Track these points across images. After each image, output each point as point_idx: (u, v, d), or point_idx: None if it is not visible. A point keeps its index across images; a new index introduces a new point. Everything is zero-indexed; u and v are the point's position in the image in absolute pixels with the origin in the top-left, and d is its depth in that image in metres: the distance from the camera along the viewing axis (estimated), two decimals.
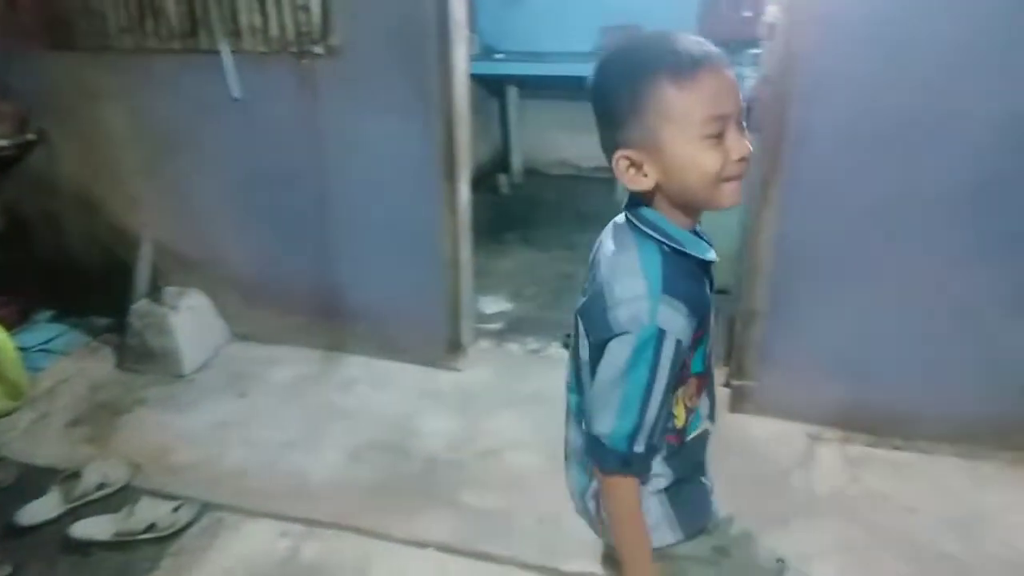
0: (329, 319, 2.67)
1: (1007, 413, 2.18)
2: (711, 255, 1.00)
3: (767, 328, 2.26)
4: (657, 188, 0.94)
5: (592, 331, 0.98)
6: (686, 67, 0.87)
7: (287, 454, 2.23)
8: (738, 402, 2.35)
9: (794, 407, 2.30)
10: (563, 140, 4.67)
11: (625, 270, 0.95)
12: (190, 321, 2.62)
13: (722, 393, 2.34)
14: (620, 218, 1.02)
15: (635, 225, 0.97)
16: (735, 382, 2.35)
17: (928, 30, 1.88)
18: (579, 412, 1.08)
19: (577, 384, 1.09)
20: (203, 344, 2.66)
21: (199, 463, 2.19)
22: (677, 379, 0.96)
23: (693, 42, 0.89)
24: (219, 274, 2.73)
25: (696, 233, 1.01)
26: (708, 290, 1.01)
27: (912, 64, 1.91)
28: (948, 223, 2.04)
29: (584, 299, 1.03)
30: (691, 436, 1.06)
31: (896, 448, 2.24)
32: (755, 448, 2.25)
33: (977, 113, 1.92)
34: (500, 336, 2.89)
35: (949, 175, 1.99)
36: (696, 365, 1.02)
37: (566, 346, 2.94)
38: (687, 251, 0.96)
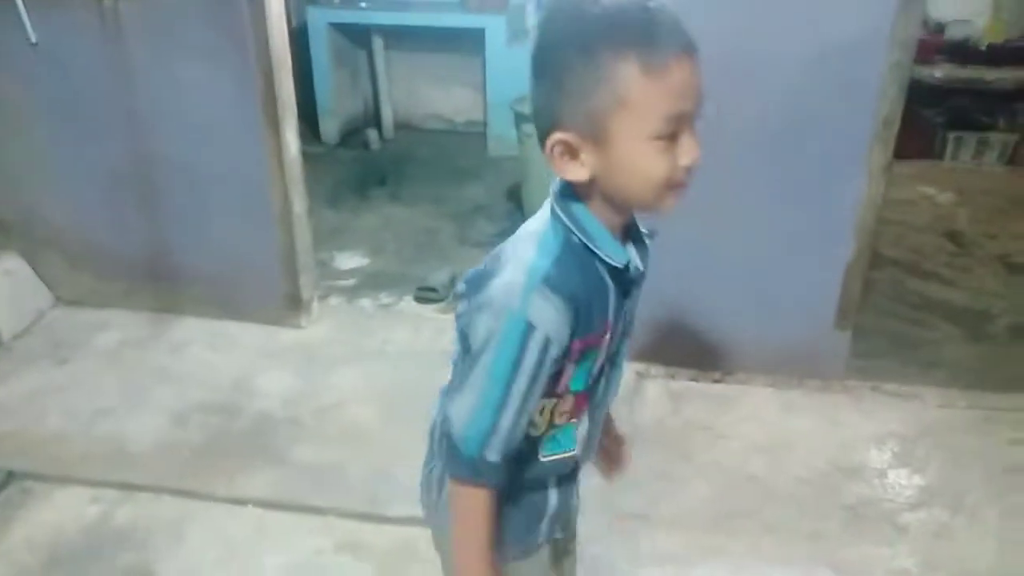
0: (160, 280, 2.55)
1: (816, 343, 2.33)
2: (621, 261, 0.84)
3: None
4: (591, 180, 0.80)
5: (467, 294, 0.86)
6: (661, 51, 0.74)
7: (106, 420, 2.14)
8: None
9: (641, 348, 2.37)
10: (436, 94, 4.59)
11: (519, 246, 0.84)
12: (5, 286, 2.45)
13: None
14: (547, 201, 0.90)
15: (554, 210, 0.85)
16: None
17: None
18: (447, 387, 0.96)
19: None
20: (21, 310, 2.50)
21: (10, 433, 2.08)
22: (545, 388, 0.84)
23: (671, 21, 0.75)
24: (38, 236, 2.56)
25: (629, 233, 0.90)
26: (613, 301, 0.87)
27: (721, 7, 1.95)
28: (762, 159, 2.13)
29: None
30: (547, 455, 0.93)
31: (716, 381, 2.37)
32: None
33: (787, 53, 2.00)
34: (353, 292, 2.85)
35: (762, 114, 2.07)
36: (577, 382, 0.88)
37: (419, 300, 2.98)
38: (596, 251, 0.83)
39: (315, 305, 2.63)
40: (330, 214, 3.50)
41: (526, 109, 3.14)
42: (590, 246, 0.83)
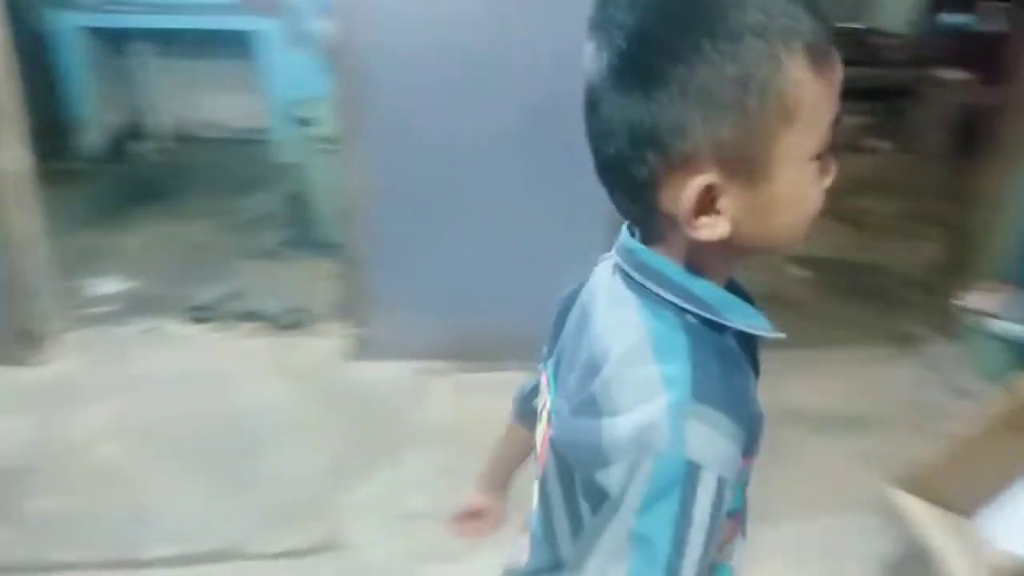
0: None
1: None
2: (765, 326, 0.62)
3: (372, 273, 2.28)
4: (719, 242, 0.57)
5: (581, 462, 0.61)
6: (824, 45, 0.54)
7: None
8: (355, 351, 2.35)
9: (408, 347, 2.35)
10: (214, 101, 4.29)
11: (628, 360, 0.58)
12: None
13: None
14: (611, 264, 0.66)
15: (636, 280, 0.61)
16: (349, 331, 2.35)
17: None
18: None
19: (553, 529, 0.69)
20: None
21: None
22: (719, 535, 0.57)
23: (820, 8, 0.54)
24: None
25: (734, 288, 0.65)
26: (752, 379, 0.64)
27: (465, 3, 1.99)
28: (515, 150, 2.19)
29: (563, 412, 0.64)
30: None
31: (501, 370, 2.40)
32: (372, 393, 2.27)
33: (534, 44, 2.06)
34: (111, 319, 2.58)
35: (511, 104, 2.12)
36: (736, 501, 0.63)
37: (196, 320, 2.76)
38: (727, 322, 0.60)
39: (58, 338, 2.35)
40: (87, 235, 3.15)
41: (309, 113, 3.02)
42: (717, 320, 0.59)
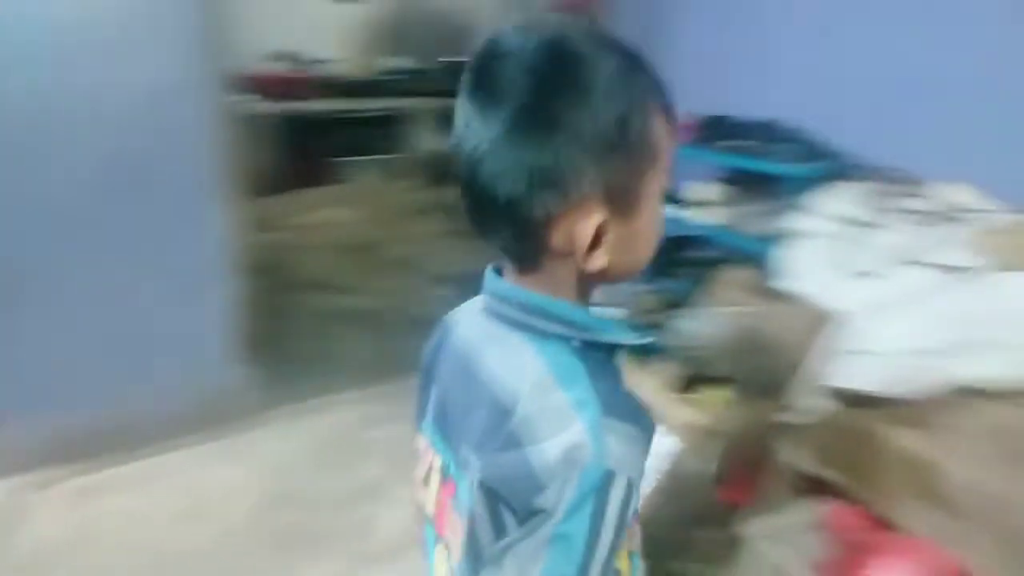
0: None
1: (221, 386, 2.22)
2: (634, 335, 0.71)
3: None
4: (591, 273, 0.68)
5: (517, 492, 0.63)
6: (671, 106, 0.67)
7: None
8: None
9: (19, 458, 2.01)
10: None
11: (538, 394, 0.65)
12: None
13: None
14: (478, 310, 0.74)
15: (518, 320, 0.69)
16: None
17: (36, 12, 1.73)
18: None
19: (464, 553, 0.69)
20: None
21: None
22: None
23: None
24: None
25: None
26: None
27: (29, 48, 1.73)
28: (107, 213, 1.94)
29: (482, 454, 0.68)
30: None
31: (122, 463, 2.13)
32: None
33: (106, 103, 1.83)
34: None
35: (87, 156, 1.87)
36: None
37: None
38: (608, 340, 0.69)
39: None
40: None
41: None
42: (599, 340, 0.69)
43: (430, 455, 0.80)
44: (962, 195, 1.98)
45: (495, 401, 0.68)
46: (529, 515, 0.62)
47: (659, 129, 0.66)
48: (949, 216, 1.88)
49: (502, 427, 0.65)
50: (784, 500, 1.97)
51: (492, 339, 0.71)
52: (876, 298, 1.76)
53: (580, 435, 0.61)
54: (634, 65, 0.65)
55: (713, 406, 1.72)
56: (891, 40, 2.30)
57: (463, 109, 0.65)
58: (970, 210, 1.90)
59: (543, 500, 0.61)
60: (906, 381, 1.65)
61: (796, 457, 1.95)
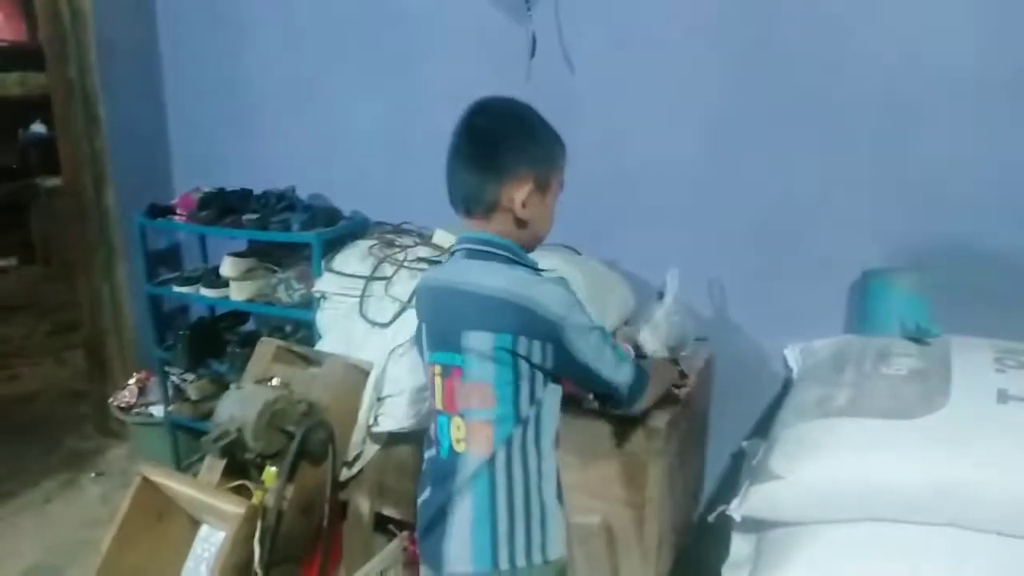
0: None
1: None
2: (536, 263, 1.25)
3: None
4: (518, 225, 1.20)
5: (534, 326, 1.13)
6: (565, 157, 1.27)
7: None
8: None
9: None
10: None
11: (514, 280, 1.16)
12: None
13: None
14: (457, 255, 1.24)
15: (491, 252, 1.20)
16: None
17: None
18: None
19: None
20: None
21: None
22: None
23: None
24: None
25: None
26: None
27: None
28: None
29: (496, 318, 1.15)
30: None
31: None
32: None
33: None
34: None
35: None
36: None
37: None
38: (533, 266, 1.23)
39: None
40: None
41: None
42: (537, 269, 1.23)
43: (431, 370, 1.24)
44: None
45: (482, 298, 1.15)
46: (552, 334, 1.14)
47: (561, 152, 1.24)
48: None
49: (494, 306, 1.14)
50: (368, 547, 2.02)
51: (469, 268, 1.20)
52: (394, 344, 1.94)
53: (552, 282, 1.17)
54: (552, 131, 1.24)
55: (263, 487, 1.66)
56: (370, 102, 2.55)
57: (451, 157, 1.21)
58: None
59: (558, 318, 1.13)
60: (420, 414, 1.86)
61: (362, 504, 2.03)
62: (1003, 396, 1.30)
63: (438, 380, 1.22)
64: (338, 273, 2.21)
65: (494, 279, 1.15)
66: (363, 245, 2.30)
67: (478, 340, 1.15)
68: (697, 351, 1.92)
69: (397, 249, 2.26)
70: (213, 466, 1.75)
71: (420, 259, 2.18)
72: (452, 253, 1.25)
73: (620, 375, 1.21)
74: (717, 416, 2.12)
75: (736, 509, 1.36)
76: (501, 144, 1.17)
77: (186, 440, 2.82)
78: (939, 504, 1.21)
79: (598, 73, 2.11)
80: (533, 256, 1.25)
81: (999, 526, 1.17)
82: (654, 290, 1.94)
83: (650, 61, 2.02)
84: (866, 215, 1.82)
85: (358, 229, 2.48)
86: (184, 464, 2.81)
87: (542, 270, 1.23)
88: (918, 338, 1.56)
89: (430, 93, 2.40)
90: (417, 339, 1.31)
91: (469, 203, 1.20)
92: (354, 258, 2.24)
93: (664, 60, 2.00)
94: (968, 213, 1.70)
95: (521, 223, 1.19)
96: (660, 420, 1.64)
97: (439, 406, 1.23)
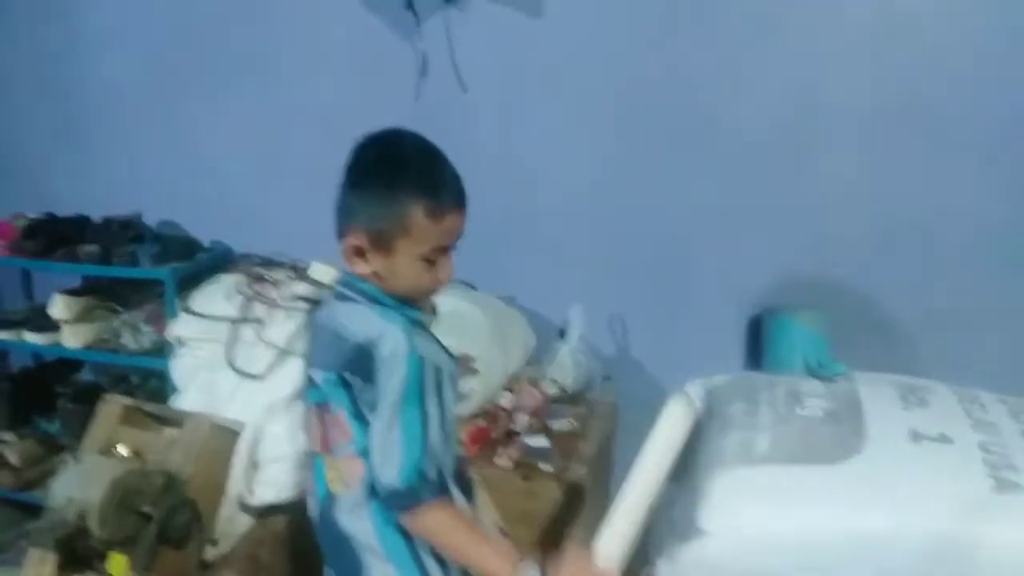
0: None
1: None
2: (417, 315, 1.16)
3: None
4: (374, 275, 1.12)
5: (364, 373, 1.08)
6: (441, 204, 1.07)
7: None
8: None
9: None
10: None
11: (367, 323, 1.09)
12: None
13: None
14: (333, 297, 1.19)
15: (350, 296, 1.15)
16: None
17: None
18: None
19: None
20: None
21: None
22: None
23: (452, 177, 1.10)
24: None
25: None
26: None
27: None
28: None
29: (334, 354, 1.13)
30: None
31: None
32: None
33: None
34: None
35: None
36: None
37: None
38: (399, 311, 1.12)
39: None
40: None
41: None
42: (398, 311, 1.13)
43: (309, 409, 1.21)
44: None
45: (337, 336, 1.12)
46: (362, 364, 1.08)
47: (417, 216, 1.06)
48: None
49: (343, 346, 1.10)
50: None
51: (335, 309, 1.16)
52: (272, 399, 1.70)
53: (398, 338, 1.06)
54: (426, 174, 1.08)
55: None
56: (234, 117, 2.29)
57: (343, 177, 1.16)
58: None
59: (368, 343, 1.08)
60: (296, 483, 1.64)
61: None
62: (915, 436, 1.31)
63: (312, 418, 1.20)
64: (198, 315, 1.93)
65: (347, 319, 1.13)
66: (228, 281, 2.04)
67: (321, 376, 1.16)
68: (604, 390, 1.85)
69: (269, 285, 2.02)
70: (43, 560, 1.43)
71: (298, 297, 1.96)
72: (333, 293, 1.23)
73: (387, 467, 1.03)
74: (621, 458, 2.05)
75: (665, 571, 1.28)
76: (344, 187, 1.12)
77: (5, 515, 2.37)
78: (862, 554, 1.18)
79: (493, 98, 2.01)
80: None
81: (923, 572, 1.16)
82: (555, 328, 1.85)
83: (547, 88, 1.95)
84: (762, 251, 1.84)
85: (220, 262, 2.21)
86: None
87: (417, 317, 1.15)
88: (822, 376, 1.57)
89: (306, 110, 2.18)
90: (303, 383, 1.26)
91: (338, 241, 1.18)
92: (218, 296, 1.97)
93: (561, 89, 1.93)
94: (855, 249, 1.75)
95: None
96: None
97: (313, 446, 1.20)
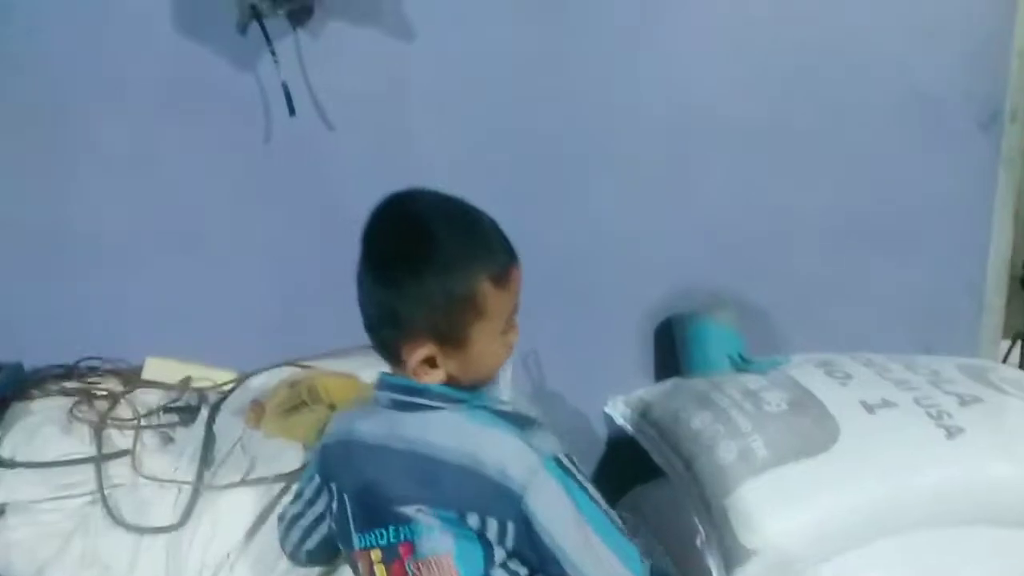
0: None
1: None
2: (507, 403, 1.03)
3: None
4: (450, 378, 0.93)
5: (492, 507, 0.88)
6: (503, 266, 0.92)
7: None
8: None
9: None
10: None
11: (481, 444, 0.89)
12: None
13: None
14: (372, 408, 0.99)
15: (420, 403, 0.94)
16: None
17: None
18: None
19: None
20: None
21: None
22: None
23: (493, 227, 0.95)
24: None
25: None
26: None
27: None
28: None
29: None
30: None
31: None
32: None
33: None
34: None
35: None
36: None
37: None
38: (480, 404, 0.95)
39: None
40: None
41: None
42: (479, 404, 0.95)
43: (367, 558, 0.97)
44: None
45: (424, 457, 0.91)
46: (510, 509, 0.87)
47: (485, 291, 0.90)
48: None
49: (446, 471, 0.89)
50: None
51: (401, 421, 0.95)
52: (199, 559, 1.33)
53: (520, 448, 0.88)
54: (470, 239, 0.92)
55: None
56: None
57: (360, 261, 0.94)
58: None
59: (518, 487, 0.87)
60: None
61: None
62: (868, 407, 1.50)
63: (379, 568, 0.96)
64: (29, 466, 1.43)
65: (428, 433, 0.93)
66: (50, 408, 1.54)
67: (420, 513, 0.92)
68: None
69: (110, 402, 1.58)
70: None
71: (166, 410, 1.56)
72: (375, 399, 1.00)
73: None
74: None
75: None
76: (373, 288, 0.93)
77: None
78: (877, 518, 1.34)
79: (366, 133, 1.77)
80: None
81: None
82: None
83: (429, 106, 1.78)
84: (660, 262, 1.92)
85: (16, 387, 1.65)
86: None
87: (503, 408, 0.97)
88: (754, 370, 1.70)
89: (99, 160, 1.70)
90: (337, 519, 1.02)
91: (373, 341, 0.98)
92: (49, 432, 1.48)
93: (446, 106, 1.78)
94: (744, 248, 1.90)
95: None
96: None
97: None
